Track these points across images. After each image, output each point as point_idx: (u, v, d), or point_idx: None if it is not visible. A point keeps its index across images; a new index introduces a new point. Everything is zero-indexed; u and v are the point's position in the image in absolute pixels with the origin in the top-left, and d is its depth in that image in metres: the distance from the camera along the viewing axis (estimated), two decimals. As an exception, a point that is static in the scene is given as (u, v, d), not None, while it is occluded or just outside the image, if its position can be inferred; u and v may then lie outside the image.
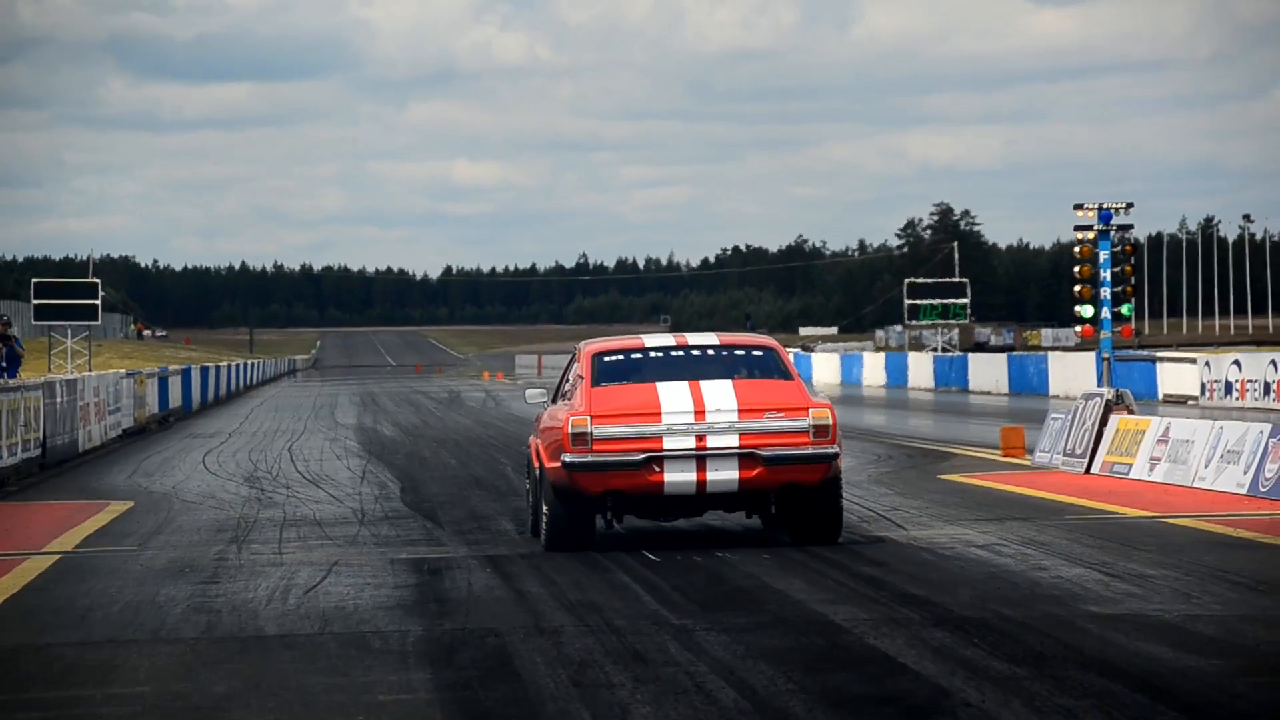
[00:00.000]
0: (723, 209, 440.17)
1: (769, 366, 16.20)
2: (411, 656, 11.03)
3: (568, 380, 16.63)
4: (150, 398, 40.70)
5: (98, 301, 64.88)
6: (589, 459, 15.30)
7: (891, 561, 14.79)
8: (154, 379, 42.36)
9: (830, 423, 15.46)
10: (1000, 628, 11.57)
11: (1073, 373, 49.10)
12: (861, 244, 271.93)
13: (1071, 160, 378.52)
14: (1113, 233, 24.48)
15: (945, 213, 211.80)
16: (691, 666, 10.46)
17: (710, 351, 16.39)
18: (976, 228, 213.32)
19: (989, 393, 55.02)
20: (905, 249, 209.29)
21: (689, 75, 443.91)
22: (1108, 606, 12.37)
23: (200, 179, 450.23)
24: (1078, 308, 24.40)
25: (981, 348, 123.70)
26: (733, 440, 15.34)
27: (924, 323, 71.74)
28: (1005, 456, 25.74)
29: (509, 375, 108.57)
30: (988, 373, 56.93)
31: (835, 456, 15.50)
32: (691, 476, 15.36)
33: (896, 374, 65.17)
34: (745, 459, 15.35)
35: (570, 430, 15.33)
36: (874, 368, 68.23)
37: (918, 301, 70.95)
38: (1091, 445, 22.92)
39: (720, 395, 15.49)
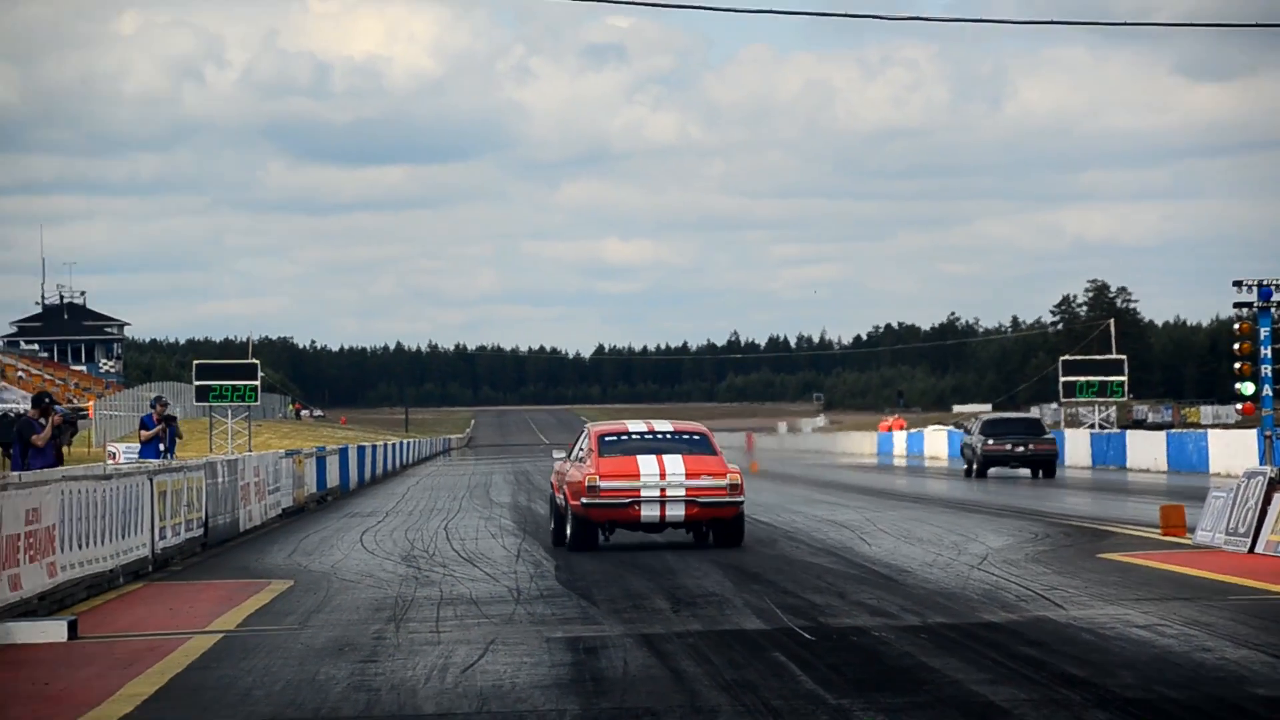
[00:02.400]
0: (874, 286, 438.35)
1: (704, 446, 24.97)
2: (569, 735, 11.04)
3: (581, 449, 25.31)
4: (308, 477, 41.21)
5: (257, 382, 65.95)
6: (596, 501, 24.21)
7: (1051, 641, 14.62)
8: (312, 459, 42.89)
9: (740, 483, 24.30)
10: (1164, 710, 11.39)
11: (1234, 450, 48.27)
12: (1015, 321, 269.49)
13: (1230, 236, 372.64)
14: (1273, 309, 24.14)
15: (1100, 289, 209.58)
16: (849, 747, 10.38)
17: (669, 435, 25.19)
18: (1132, 304, 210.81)
19: (1147, 470, 54.23)
20: (1060, 326, 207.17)
21: (840, 153, 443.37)
22: (1276, 689, 12.13)
23: (356, 260, 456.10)
24: (1238, 384, 24.09)
25: (1139, 425, 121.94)
26: (681, 492, 24.10)
27: (1080, 400, 70.89)
28: (1165, 535, 25.35)
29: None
30: (1146, 450, 56.14)
31: (742, 502, 24.52)
32: (656, 512, 24.21)
33: (1053, 452, 64.47)
34: (689, 503, 24.16)
35: (586, 484, 24.23)
36: (1030, 445, 67.49)
37: (1073, 379, 70.14)
38: (1255, 524, 22.51)
39: (675, 464, 24.29)
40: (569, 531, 24.64)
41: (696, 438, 25.08)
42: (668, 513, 24.10)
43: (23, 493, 17.15)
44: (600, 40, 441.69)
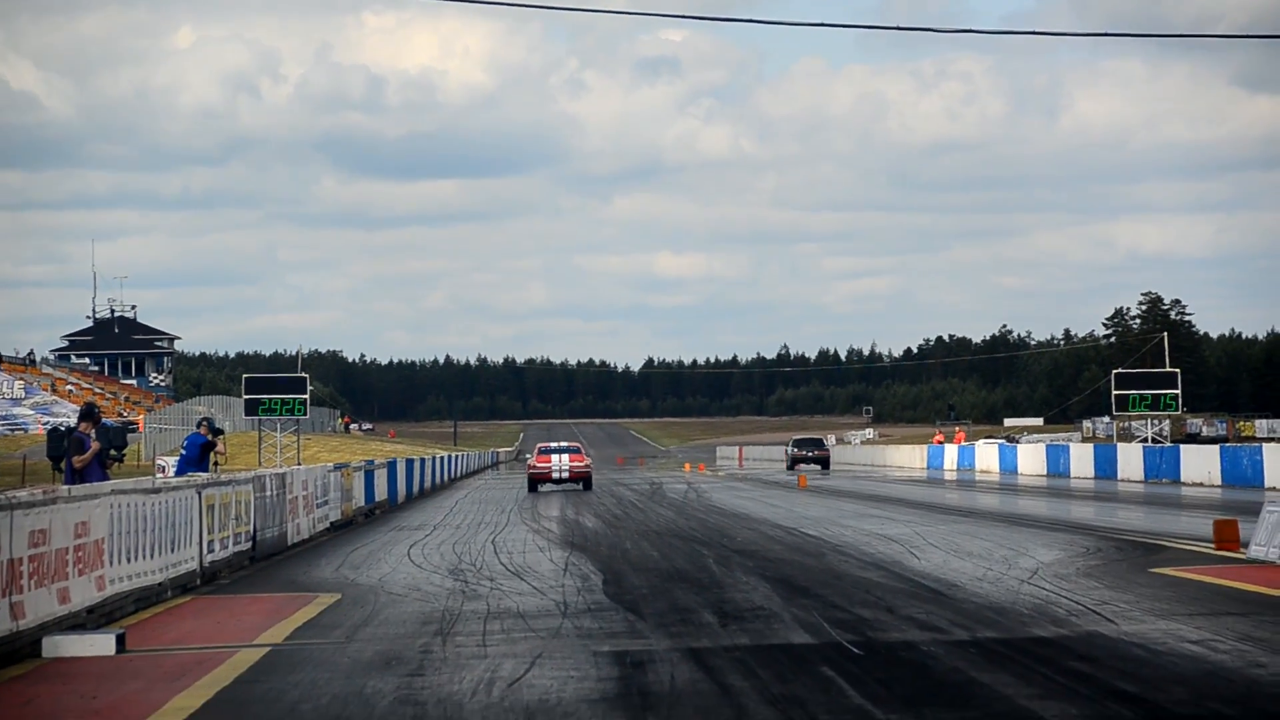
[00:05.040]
0: (926, 299, 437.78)
1: (579, 452, 61.06)
2: (614, 750, 10.97)
3: (533, 453, 62.01)
4: (357, 491, 41.27)
5: (306, 396, 66.07)
6: (534, 472, 60.13)
7: (1102, 656, 14.49)
8: (360, 472, 42.96)
9: (589, 464, 61.20)
10: (1217, 726, 11.25)
11: (1288, 464, 47.88)
12: (1067, 334, 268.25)
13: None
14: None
15: (1155, 302, 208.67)
16: (898, 763, 10.28)
17: (565, 448, 61.42)
18: (1187, 317, 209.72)
19: (1201, 484, 53.88)
20: (1113, 339, 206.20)
21: (893, 166, 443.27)
22: (1330, 705, 11.97)
23: (408, 274, 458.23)
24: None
25: (1193, 439, 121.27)
26: (567, 467, 59.58)
27: (1133, 413, 70.44)
28: (1219, 550, 25.14)
29: (710, 467, 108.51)
30: (1200, 464, 55.78)
31: (590, 471, 61.00)
32: (558, 476, 59.52)
33: (1105, 465, 64.11)
34: (571, 471, 59.54)
35: (530, 465, 60.94)
36: (1081, 459, 67.19)
37: (1126, 392, 69.67)
38: (1309, 538, 22.32)
39: (565, 459, 60.05)
40: (527, 484, 61.00)
41: (577, 448, 61.17)
42: (563, 476, 58.71)
43: (72, 506, 17.19)
44: (654, 54, 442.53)
